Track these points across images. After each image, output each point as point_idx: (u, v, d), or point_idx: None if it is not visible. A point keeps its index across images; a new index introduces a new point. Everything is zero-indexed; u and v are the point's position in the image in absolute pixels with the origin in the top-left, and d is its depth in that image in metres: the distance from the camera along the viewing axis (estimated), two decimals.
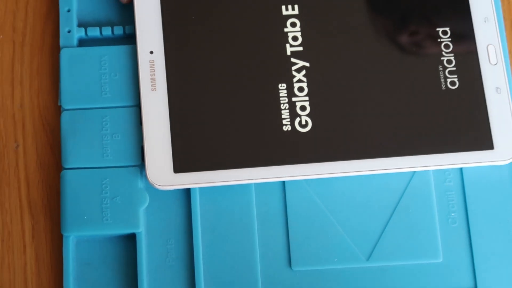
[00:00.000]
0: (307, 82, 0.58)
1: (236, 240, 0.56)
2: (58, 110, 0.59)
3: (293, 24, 0.59)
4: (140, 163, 0.56)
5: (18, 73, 0.60)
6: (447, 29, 0.60)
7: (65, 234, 0.55)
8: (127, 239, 0.56)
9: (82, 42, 0.59)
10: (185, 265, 0.56)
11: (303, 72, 0.58)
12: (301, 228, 0.57)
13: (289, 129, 0.57)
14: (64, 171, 0.56)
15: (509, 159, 0.57)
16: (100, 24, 0.60)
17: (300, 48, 0.59)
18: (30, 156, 0.58)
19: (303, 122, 0.57)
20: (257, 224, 0.57)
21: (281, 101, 0.57)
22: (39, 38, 0.60)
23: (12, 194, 0.58)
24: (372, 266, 0.57)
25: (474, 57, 0.59)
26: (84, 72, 0.58)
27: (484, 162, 0.57)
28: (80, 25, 0.59)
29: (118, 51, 0.58)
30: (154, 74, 0.57)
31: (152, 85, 0.57)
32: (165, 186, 0.55)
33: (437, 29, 0.60)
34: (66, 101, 0.57)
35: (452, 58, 0.59)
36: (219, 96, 0.57)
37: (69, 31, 0.59)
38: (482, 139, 0.58)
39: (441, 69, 0.59)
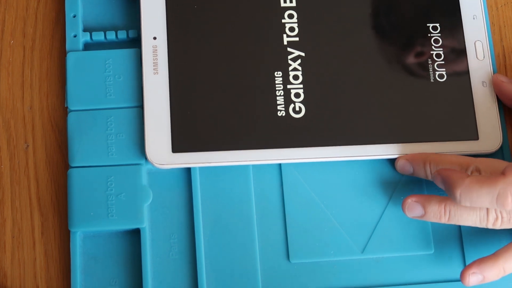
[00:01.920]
0: (302, 71, 0.59)
1: (236, 234, 0.57)
2: (66, 111, 0.60)
3: (291, 16, 0.61)
4: (144, 161, 0.57)
5: (28, 77, 0.61)
6: (437, 24, 0.61)
7: (72, 230, 0.56)
8: (131, 234, 0.57)
9: (87, 46, 0.60)
10: (187, 259, 0.57)
11: (299, 61, 0.60)
12: (298, 222, 0.58)
13: (284, 114, 0.58)
14: (71, 170, 0.57)
15: (493, 149, 0.59)
16: (104, 29, 0.61)
17: (297, 39, 0.60)
18: (39, 156, 0.59)
19: (297, 108, 0.59)
20: (256, 217, 0.57)
21: (277, 88, 0.59)
22: (48, 43, 0.62)
23: (22, 192, 0.59)
24: (367, 258, 0.58)
25: (462, 52, 0.61)
26: (90, 75, 0.59)
27: (469, 151, 0.58)
28: (85, 29, 0.61)
29: (122, 54, 0.59)
30: (156, 58, 0.58)
31: (154, 69, 0.58)
32: (163, 165, 0.56)
33: (428, 24, 0.61)
34: (73, 103, 0.58)
35: (441, 52, 0.61)
36: (218, 81, 0.59)
37: (75, 36, 0.60)
38: (468, 130, 0.59)
39: (430, 62, 0.60)
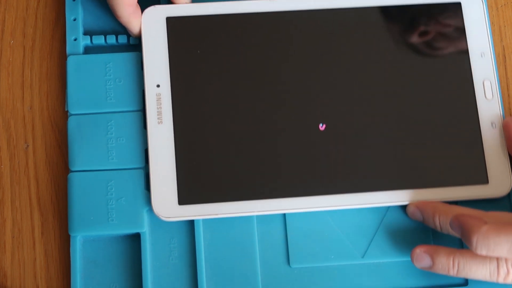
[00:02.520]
0: None
1: (236, 239, 0.57)
2: (66, 111, 0.60)
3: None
4: (144, 165, 0.57)
5: (28, 77, 0.61)
6: (445, 61, 0.60)
7: (72, 234, 0.56)
8: (131, 239, 0.57)
9: (87, 50, 0.60)
10: (187, 263, 0.57)
11: None
12: (298, 227, 0.58)
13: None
14: (71, 174, 0.57)
15: (503, 193, 0.58)
16: (105, 33, 0.60)
17: None
18: (39, 156, 0.59)
19: None
20: (256, 221, 0.57)
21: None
22: (48, 43, 0.61)
23: (22, 192, 0.59)
24: (367, 262, 0.58)
25: (470, 91, 0.59)
26: (90, 79, 0.58)
27: (479, 196, 0.57)
28: (85, 33, 0.60)
29: (122, 58, 0.59)
30: (160, 107, 0.57)
31: (158, 118, 0.57)
32: (169, 217, 0.56)
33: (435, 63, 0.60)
34: (73, 107, 0.58)
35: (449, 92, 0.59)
36: (224, 130, 0.57)
37: (75, 39, 0.60)
38: (477, 174, 0.58)
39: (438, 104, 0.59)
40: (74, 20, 0.60)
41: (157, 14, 0.59)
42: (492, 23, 0.64)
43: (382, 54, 0.60)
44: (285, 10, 0.60)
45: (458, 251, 0.54)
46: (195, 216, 0.56)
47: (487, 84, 0.60)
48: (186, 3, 0.60)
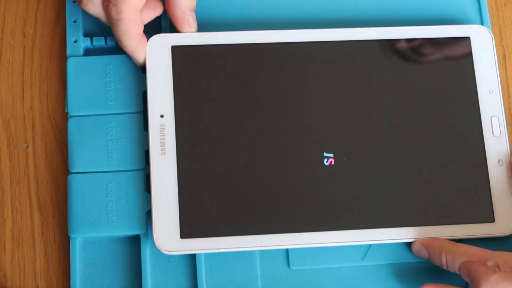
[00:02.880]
0: None
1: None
2: (66, 112, 0.60)
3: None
4: (144, 167, 0.57)
5: (28, 77, 0.61)
6: (453, 98, 0.59)
7: (72, 236, 0.56)
8: (131, 240, 0.57)
9: (88, 52, 0.60)
10: (187, 265, 0.57)
11: None
12: None
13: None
14: (71, 175, 0.57)
15: (509, 232, 0.57)
16: (105, 34, 0.60)
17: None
18: (39, 156, 0.59)
19: None
20: None
21: None
22: (48, 43, 0.61)
23: (22, 192, 0.59)
24: (367, 265, 0.58)
25: (478, 128, 0.59)
26: (90, 80, 0.58)
27: (485, 234, 0.57)
28: (86, 35, 0.60)
29: (123, 60, 0.59)
30: (164, 138, 0.56)
31: (161, 149, 0.56)
32: (171, 251, 0.55)
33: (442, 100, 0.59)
34: (73, 108, 0.58)
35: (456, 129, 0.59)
36: (227, 163, 0.57)
37: (75, 41, 0.60)
38: (483, 212, 0.57)
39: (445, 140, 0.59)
40: (75, 22, 0.60)
41: (163, 43, 0.58)
42: (492, 23, 0.64)
43: (389, 88, 0.59)
44: (291, 41, 0.59)
45: None
46: (197, 250, 0.55)
47: (494, 120, 0.59)
48: (192, 31, 0.59)
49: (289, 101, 0.58)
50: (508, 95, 0.63)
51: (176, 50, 0.58)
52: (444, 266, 0.55)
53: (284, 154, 0.57)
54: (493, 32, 0.63)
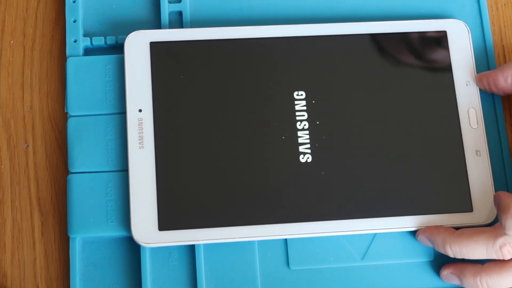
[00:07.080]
0: None
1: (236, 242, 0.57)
2: (65, 112, 0.59)
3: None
4: None
5: (28, 77, 0.61)
6: (431, 91, 0.60)
7: (71, 236, 0.56)
8: (131, 240, 0.57)
9: (87, 51, 0.60)
10: (187, 265, 0.57)
11: None
12: None
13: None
14: (70, 175, 0.57)
15: (488, 220, 0.58)
16: (104, 34, 0.60)
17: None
18: (39, 156, 0.60)
19: None
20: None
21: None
22: (48, 43, 0.61)
23: (22, 192, 0.59)
24: (367, 265, 0.58)
25: (455, 120, 0.60)
26: (90, 80, 0.58)
27: (463, 223, 0.57)
28: (85, 35, 0.60)
29: (123, 60, 0.59)
30: (142, 132, 0.57)
31: (139, 143, 0.57)
32: (149, 243, 0.55)
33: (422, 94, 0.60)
34: (73, 108, 0.58)
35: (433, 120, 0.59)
36: (206, 155, 0.57)
37: (75, 41, 0.60)
38: (462, 202, 0.58)
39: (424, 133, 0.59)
40: (74, 21, 0.60)
41: (141, 39, 0.59)
42: (492, 23, 0.64)
43: (367, 81, 0.60)
44: (269, 37, 0.60)
45: (483, 269, 0.54)
46: (175, 242, 0.55)
47: (471, 112, 0.60)
48: None
49: (267, 95, 0.59)
50: (508, 95, 0.62)
51: (154, 46, 0.59)
52: (451, 255, 0.56)
53: (261, 148, 0.58)
54: (493, 32, 0.63)
